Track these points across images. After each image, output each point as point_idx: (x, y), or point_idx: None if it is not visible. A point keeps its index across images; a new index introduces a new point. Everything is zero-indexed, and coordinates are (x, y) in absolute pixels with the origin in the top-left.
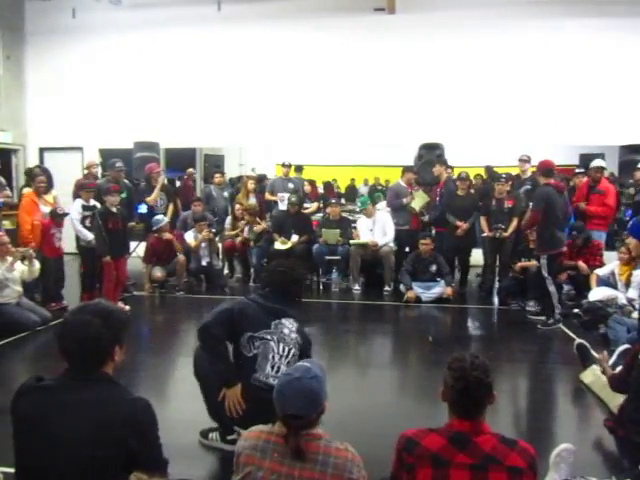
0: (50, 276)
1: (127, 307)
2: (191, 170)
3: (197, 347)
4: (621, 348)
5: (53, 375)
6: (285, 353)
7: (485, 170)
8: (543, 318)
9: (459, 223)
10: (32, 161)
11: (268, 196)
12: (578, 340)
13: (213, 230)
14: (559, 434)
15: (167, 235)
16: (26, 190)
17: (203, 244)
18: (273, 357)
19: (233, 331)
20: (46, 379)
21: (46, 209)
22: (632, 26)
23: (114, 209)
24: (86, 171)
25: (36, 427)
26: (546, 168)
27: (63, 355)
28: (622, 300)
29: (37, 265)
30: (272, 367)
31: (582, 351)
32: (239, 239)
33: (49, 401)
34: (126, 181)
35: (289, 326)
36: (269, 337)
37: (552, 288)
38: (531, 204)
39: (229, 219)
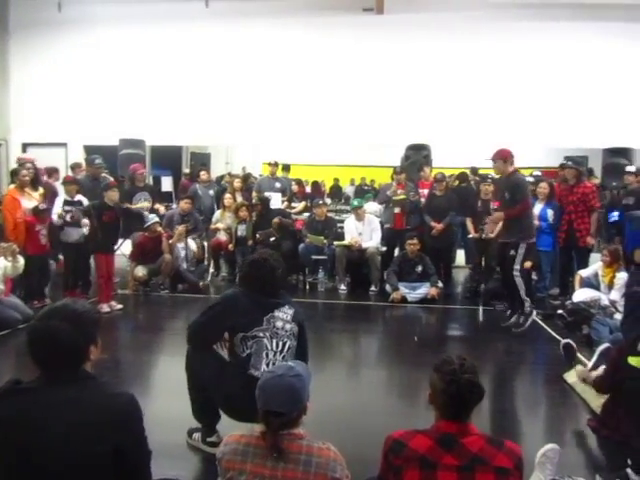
0: (33, 274)
1: (119, 305)
2: (187, 171)
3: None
4: (601, 347)
5: (34, 374)
6: (279, 348)
7: (470, 171)
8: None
9: (434, 224)
10: (15, 156)
11: (255, 195)
12: (565, 340)
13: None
14: (544, 434)
15: (159, 229)
16: (11, 187)
17: (180, 244)
18: (267, 354)
19: (223, 329)
20: (24, 382)
21: (30, 204)
22: (617, 31)
23: (111, 203)
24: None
25: (18, 430)
26: (508, 156)
27: (35, 363)
28: (605, 302)
29: (21, 261)
30: (267, 365)
31: (568, 351)
32: (228, 241)
33: (29, 403)
34: (110, 177)
35: (283, 317)
36: (261, 334)
37: (519, 280)
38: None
39: (217, 213)
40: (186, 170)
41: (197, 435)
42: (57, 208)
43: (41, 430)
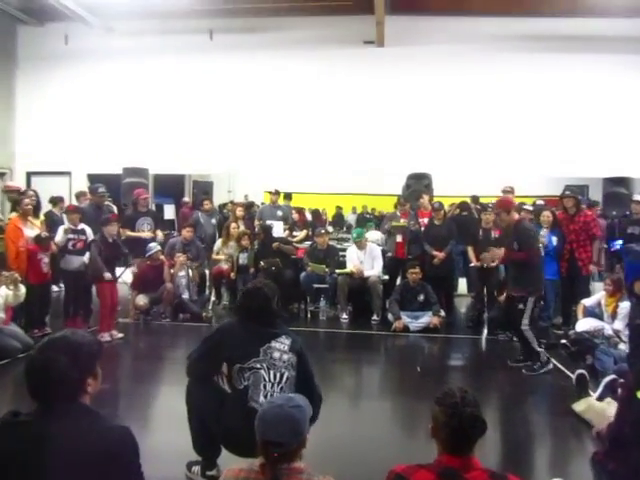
0: (34, 302)
1: (120, 334)
2: (187, 199)
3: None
4: (607, 379)
5: (33, 405)
6: (277, 379)
7: (471, 200)
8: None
9: (435, 252)
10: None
11: (257, 224)
12: (579, 371)
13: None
14: (549, 468)
15: (161, 257)
16: (12, 215)
17: (181, 273)
18: (265, 386)
19: (220, 360)
20: (23, 414)
21: (32, 233)
22: (616, 62)
23: (110, 238)
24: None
25: (13, 465)
26: (510, 205)
27: (30, 396)
28: (608, 331)
29: (23, 290)
30: (265, 396)
31: (581, 381)
32: (229, 269)
33: (26, 437)
34: (113, 206)
35: (280, 347)
36: (259, 366)
37: (530, 333)
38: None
39: (219, 242)
40: (186, 199)
41: (196, 468)
42: (59, 236)
43: (36, 465)
